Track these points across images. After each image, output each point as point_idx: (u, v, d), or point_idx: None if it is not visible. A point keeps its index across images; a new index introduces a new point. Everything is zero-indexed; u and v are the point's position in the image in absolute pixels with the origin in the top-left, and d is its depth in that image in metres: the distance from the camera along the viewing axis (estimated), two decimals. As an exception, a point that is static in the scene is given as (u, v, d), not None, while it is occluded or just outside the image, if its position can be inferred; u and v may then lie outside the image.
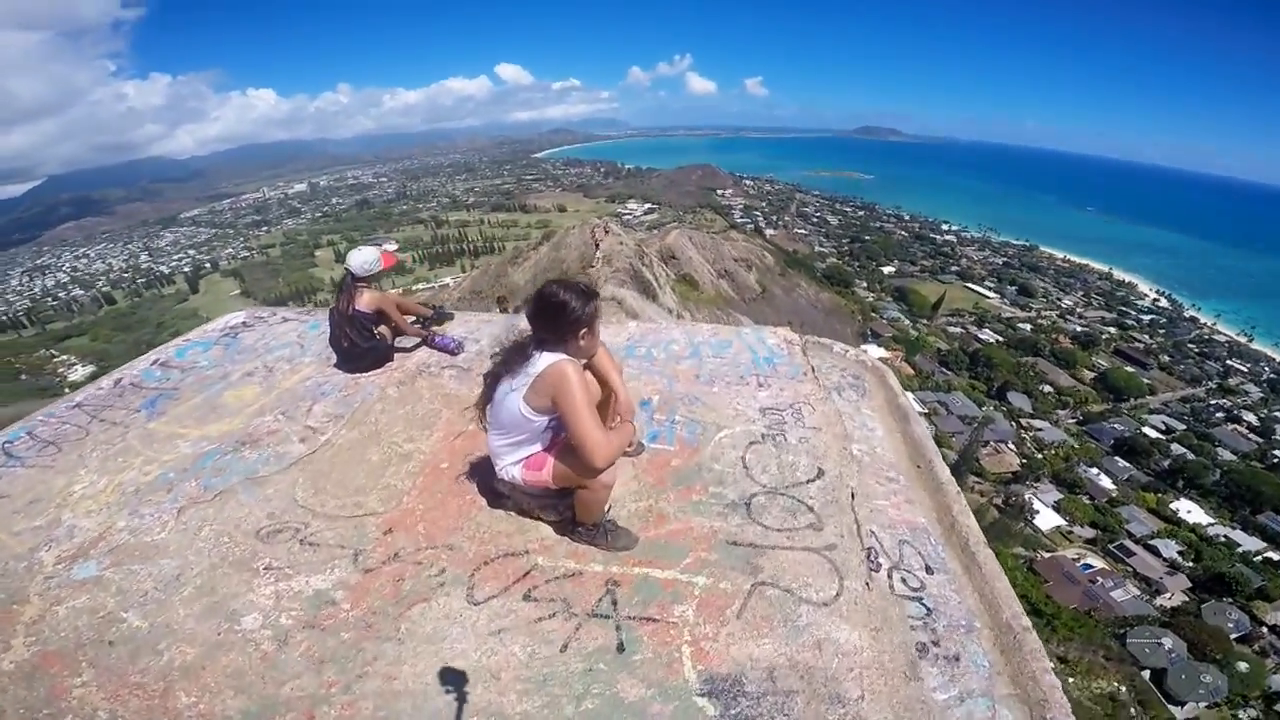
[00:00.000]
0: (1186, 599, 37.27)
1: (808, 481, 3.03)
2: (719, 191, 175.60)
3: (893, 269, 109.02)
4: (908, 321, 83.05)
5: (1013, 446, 53.15)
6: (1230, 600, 35.94)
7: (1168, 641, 30.59)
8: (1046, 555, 38.11)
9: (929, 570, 2.80)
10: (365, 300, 4.03)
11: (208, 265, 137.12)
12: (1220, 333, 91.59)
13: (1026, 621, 2.58)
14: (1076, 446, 54.78)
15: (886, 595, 2.54)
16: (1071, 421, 61.18)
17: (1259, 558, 40.38)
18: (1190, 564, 40.00)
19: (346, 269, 4.06)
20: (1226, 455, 54.00)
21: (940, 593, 2.68)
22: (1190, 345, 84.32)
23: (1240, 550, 41.31)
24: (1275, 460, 53.40)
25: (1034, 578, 30.03)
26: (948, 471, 3.50)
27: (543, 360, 2.32)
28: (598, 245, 21.81)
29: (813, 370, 4.16)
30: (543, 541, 2.69)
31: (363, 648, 2.22)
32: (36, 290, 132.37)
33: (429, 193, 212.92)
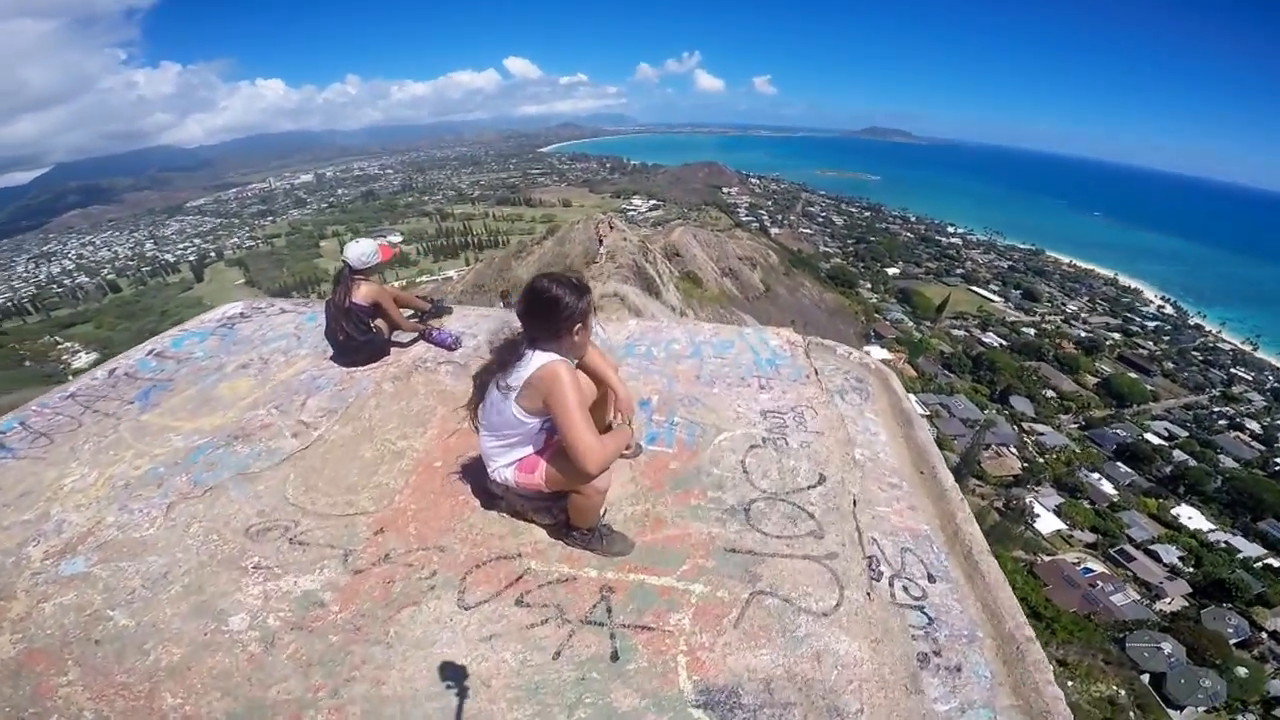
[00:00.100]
0: (1186, 604, 37.35)
1: (809, 487, 2.96)
2: (725, 189, 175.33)
3: (897, 270, 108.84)
4: (911, 323, 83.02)
5: (1014, 450, 53.12)
6: (1230, 606, 36.02)
7: (1167, 646, 30.66)
8: (1047, 559, 38.16)
9: (931, 579, 2.76)
10: (362, 293, 3.99)
11: (213, 254, 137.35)
12: (1225, 341, 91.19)
13: (1030, 632, 2.53)
14: (1078, 451, 54.77)
15: (888, 605, 2.49)
16: (1074, 426, 61.18)
17: (1259, 564, 40.47)
18: (1190, 569, 40.08)
19: (344, 261, 4.02)
20: (1229, 462, 54.01)
21: (942, 602, 2.63)
22: (1194, 353, 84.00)
23: (1241, 556, 41.37)
24: (1277, 468, 53.30)
25: (1034, 581, 30.02)
26: (951, 478, 3.44)
27: (535, 360, 2.25)
28: (602, 241, 21.76)
29: (815, 373, 4.08)
30: (536, 545, 2.63)
31: (351, 651, 2.18)
32: (42, 277, 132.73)
33: (435, 185, 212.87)
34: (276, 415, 3.63)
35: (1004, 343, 78.85)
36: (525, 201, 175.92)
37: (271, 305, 5.42)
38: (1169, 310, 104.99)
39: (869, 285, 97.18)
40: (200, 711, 1.99)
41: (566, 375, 2.22)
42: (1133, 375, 71.07)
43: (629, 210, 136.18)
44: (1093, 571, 38.23)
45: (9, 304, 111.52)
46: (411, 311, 4.67)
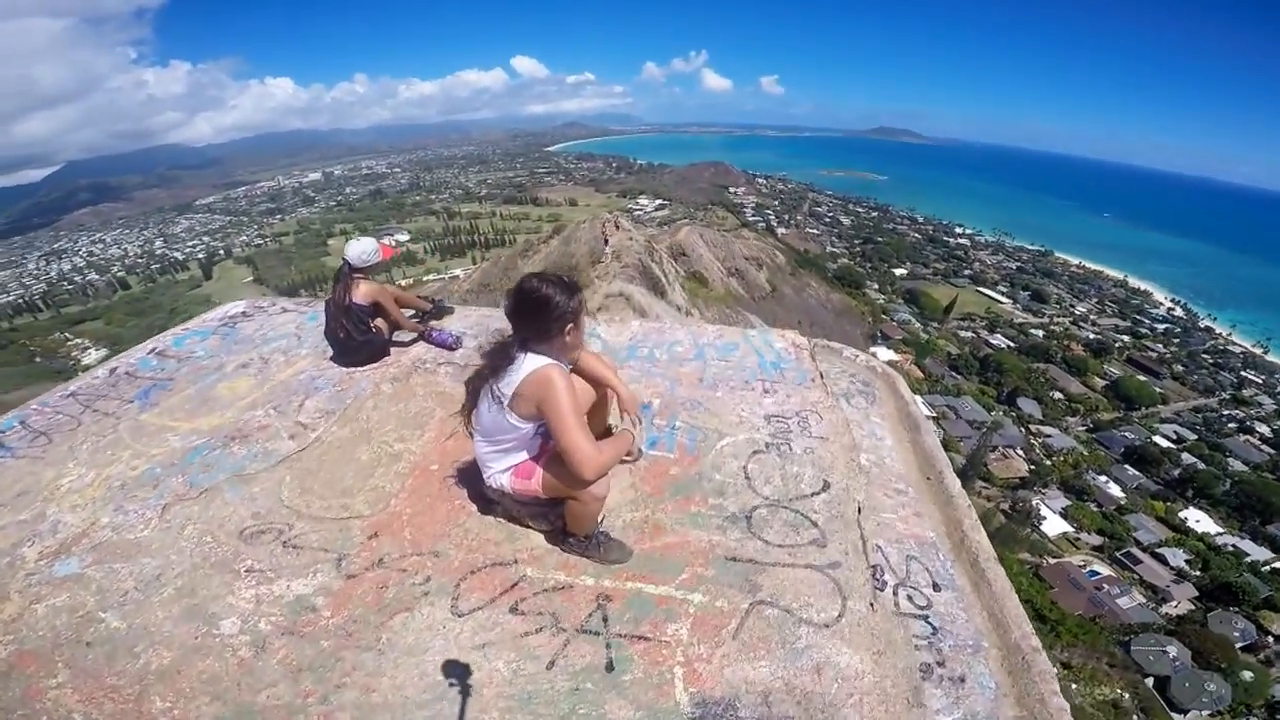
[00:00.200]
0: (1192, 607, 37.13)
1: (812, 494, 2.89)
2: (731, 189, 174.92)
3: (905, 271, 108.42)
4: (919, 324, 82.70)
5: (1021, 452, 52.85)
6: (1237, 609, 35.79)
7: (1172, 649, 30.47)
8: (1053, 561, 38.02)
9: (936, 587, 2.71)
10: (362, 292, 3.95)
11: (221, 252, 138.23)
12: (1235, 344, 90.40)
13: (1036, 642, 2.48)
14: (1086, 454, 54.41)
15: (891, 615, 2.44)
16: (1081, 429, 60.83)
17: (1267, 568, 40.16)
18: (1197, 573, 39.83)
19: (344, 259, 3.99)
20: (1238, 466, 53.59)
21: (948, 611, 2.59)
22: (1204, 355, 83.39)
23: (1249, 560, 41.10)
24: (1288, 472, 52.81)
25: (1040, 583, 29.90)
26: (959, 484, 3.39)
27: (527, 364, 2.20)
28: (607, 240, 21.78)
29: (821, 376, 3.99)
30: (532, 551, 2.59)
31: (342, 657, 2.14)
32: (53, 274, 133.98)
33: (442, 184, 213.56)
34: (274, 416, 3.60)
35: (1012, 344, 78.45)
36: (532, 200, 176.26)
37: (274, 304, 5.40)
38: (1179, 312, 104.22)
39: (876, 286, 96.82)
40: (189, 715, 1.96)
41: (560, 379, 2.17)
42: (1141, 378, 70.62)
43: (635, 210, 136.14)
44: (1099, 574, 38.05)
45: (20, 300, 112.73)
46: (412, 311, 4.64)
